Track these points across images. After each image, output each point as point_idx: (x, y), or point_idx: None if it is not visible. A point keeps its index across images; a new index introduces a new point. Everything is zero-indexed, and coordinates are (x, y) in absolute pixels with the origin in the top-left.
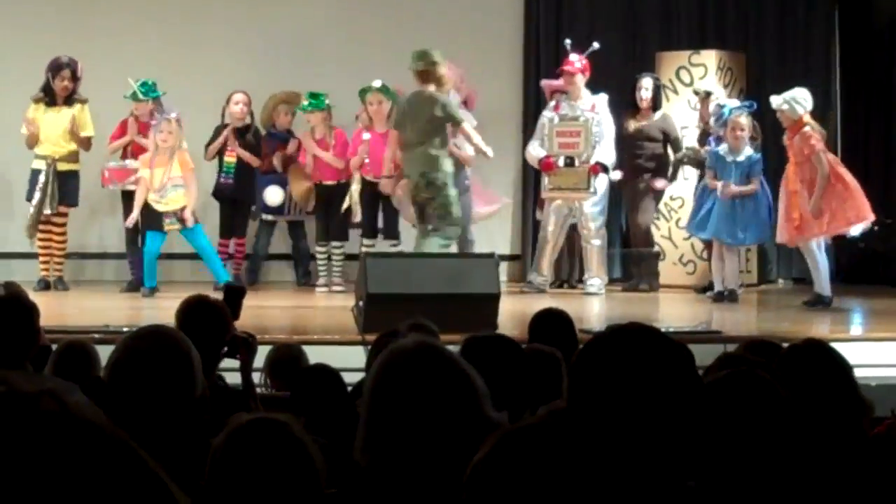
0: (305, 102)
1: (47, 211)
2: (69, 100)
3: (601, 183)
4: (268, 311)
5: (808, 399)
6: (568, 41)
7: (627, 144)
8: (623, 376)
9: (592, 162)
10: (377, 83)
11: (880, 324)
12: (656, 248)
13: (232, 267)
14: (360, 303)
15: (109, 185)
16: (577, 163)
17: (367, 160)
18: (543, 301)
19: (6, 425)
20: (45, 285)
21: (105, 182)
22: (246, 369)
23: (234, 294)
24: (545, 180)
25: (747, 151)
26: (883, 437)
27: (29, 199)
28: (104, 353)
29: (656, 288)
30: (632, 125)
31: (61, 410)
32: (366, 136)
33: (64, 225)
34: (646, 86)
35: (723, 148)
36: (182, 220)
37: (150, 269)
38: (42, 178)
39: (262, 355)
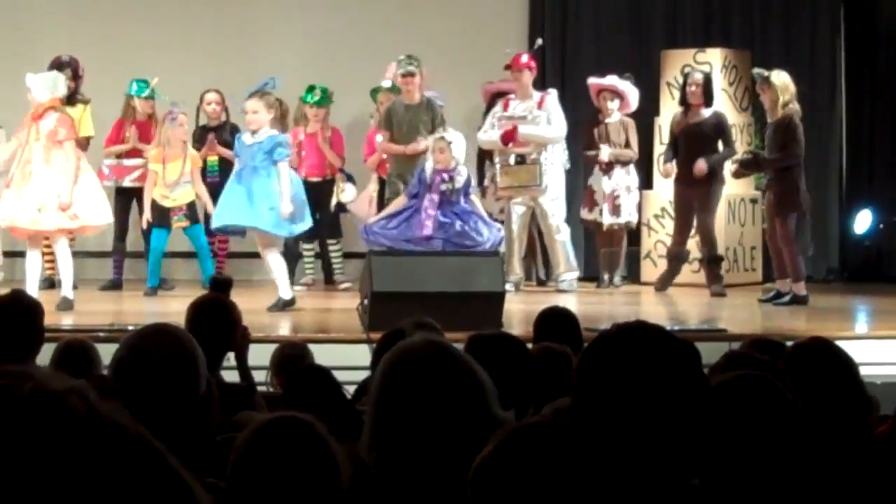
0: (316, 97)
1: None
2: (71, 99)
3: (555, 178)
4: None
5: (813, 397)
6: (539, 41)
7: (683, 144)
8: (629, 375)
9: (517, 129)
10: (387, 83)
11: (885, 322)
12: (719, 252)
13: (215, 264)
14: (365, 301)
15: (106, 182)
16: (527, 160)
17: (385, 157)
18: (540, 300)
19: (34, 424)
20: (49, 284)
21: (101, 178)
22: (242, 362)
23: (222, 286)
24: (498, 179)
25: None
26: (888, 436)
27: None
28: (110, 351)
29: (724, 294)
30: (683, 124)
31: (88, 410)
32: (380, 137)
33: None
34: (696, 81)
35: None
36: (190, 217)
37: (155, 268)
38: None
39: (267, 353)
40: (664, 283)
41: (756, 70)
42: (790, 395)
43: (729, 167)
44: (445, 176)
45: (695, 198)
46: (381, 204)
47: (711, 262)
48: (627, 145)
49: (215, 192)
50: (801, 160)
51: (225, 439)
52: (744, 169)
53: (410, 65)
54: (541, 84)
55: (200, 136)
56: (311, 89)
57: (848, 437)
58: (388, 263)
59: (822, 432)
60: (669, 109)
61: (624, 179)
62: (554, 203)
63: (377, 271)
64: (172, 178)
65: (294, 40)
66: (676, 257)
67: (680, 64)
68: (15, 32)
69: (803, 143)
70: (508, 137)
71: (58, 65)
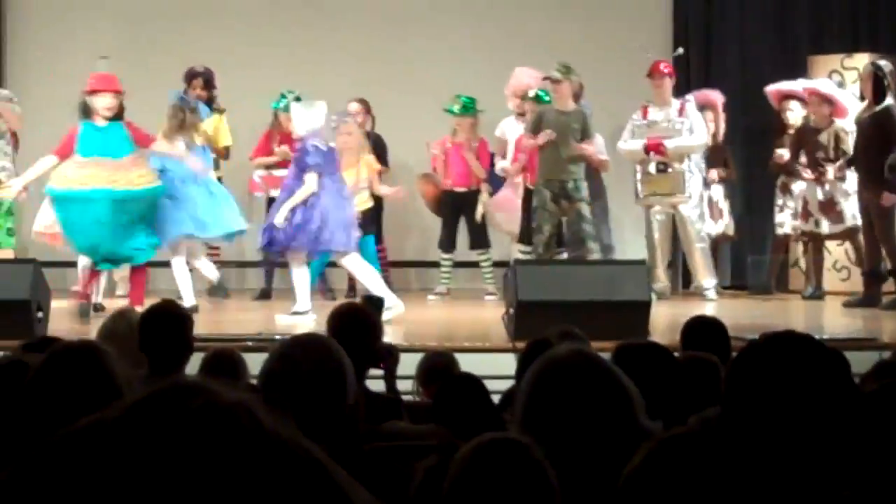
0: (456, 106)
1: None
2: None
3: (695, 185)
4: (415, 318)
5: None
6: (680, 49)
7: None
8: (779, 384)
9: (666, 144)
10: (531, 92)
11: None
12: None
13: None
14: (510, 310)
15: (257, 193)
16: (668, 169)
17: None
18: (686, 308)
19: (203, 439)
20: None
21: (254, 189)
22: (391, 379)
23: (376, 305)
24: (639, 187)
25: None
26: None
27: None
28: (257, 361)
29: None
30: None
31: (256, 425)
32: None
33: None
34: (863, 75)
35: None
36: (362, 227)
37: (316, 273)
38: None
39: (413, 363)
40: (861, 303)
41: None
42: None
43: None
44: None
45: (868, 201)
46: (527, 213)
47: (873, 275)
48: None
49: None
50: None
51: (372, 449)
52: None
53: (558, 71)
54: (685, 89)
55: None
56: (457, 99)
57: None
58: (533, 272)
59: None
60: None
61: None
62: (695, 210)
63: (522, 280)
64: (348, 186)
65: (440, 50)
66: (874, 274)
67: (828, 69)
68: (151, 45)
69: None
70: (655, 148)
71: (191, 75)
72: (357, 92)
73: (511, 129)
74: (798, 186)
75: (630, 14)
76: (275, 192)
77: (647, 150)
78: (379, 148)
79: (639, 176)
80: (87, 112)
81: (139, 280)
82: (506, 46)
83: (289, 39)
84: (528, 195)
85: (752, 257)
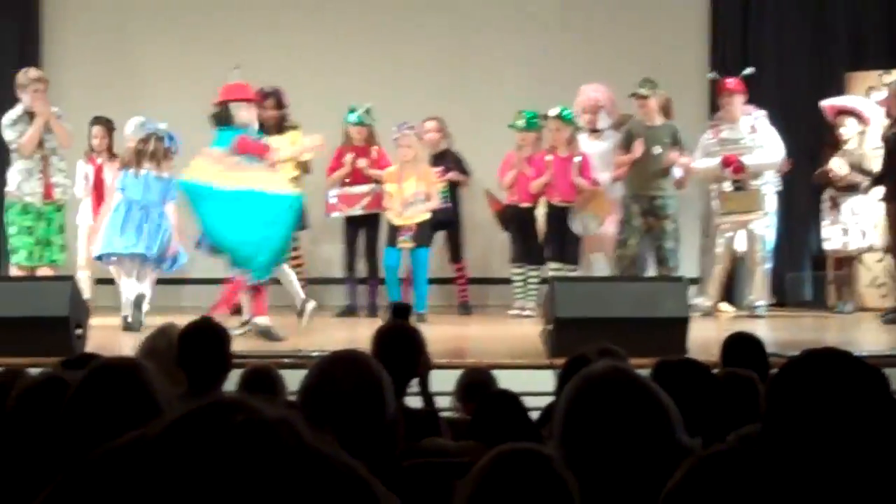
0: (520, 122)
1: None
2: (280, 128)
3: (771, 203)
4: (454, 335)
5: None
6: (752, 69)
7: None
8: (819, 401)
9: (744, 162)
10: (555, 110)
11: None
12: None
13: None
14: (549, 327)
15: (335, 213)
16: (745, 186)
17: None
18: (728, 324)
19: (244, 455)
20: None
21: (331, 210)
22: (425, 387)
23: (402, 312)
24: (714, 204)
25: None
26: None
27: None
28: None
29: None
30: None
31: (297, 441)
32: (548, 157)
33: (296, 249)
34: (891, 91)
35: None
36: (416, 239)
37: (393, 286)
38: None
39: (453, 379)
40: None
41: None
42: None
43: None
44: None
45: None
46: (555, 231)
47: None
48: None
49: (445, 217)
50: None
51: (411, 465)
52: None
53: (642, 87)
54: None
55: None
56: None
57: None
58: (571, 289)
59: None
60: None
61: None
62: (768, 230)
63: (560, 297)
64: (405, 197)
65: (510, 65)
66: None
67: (864, 86)
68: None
69: None
70: (732, 164)
71: (262, 95)
72: (429, 106)
73: (585, 146)
74: (848, 201)
75: (667, 34)
76: (351, 211)
77: (724, 163)
78: (457, 165)
79: (713, 194)
80: (221, 120)
81: (233, 289)
82: (573, 62)
83: (361, 54)
84: (552, 212)
85: (790, 274)
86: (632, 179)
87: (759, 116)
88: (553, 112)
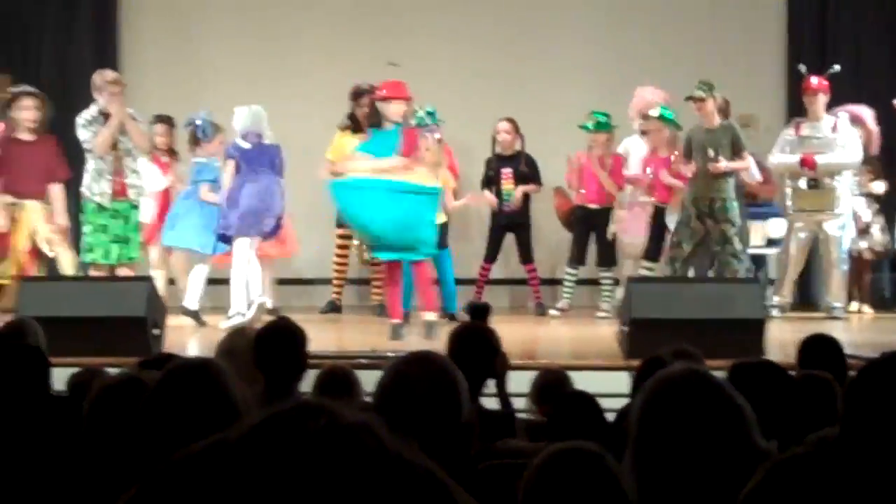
0: (591, 123)
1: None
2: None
3: (846, 204)
4: (530, 336)
5: None
6: (837, 67)
7: None
8: None
9: (817, 160)
10: (653, 112)
11: None
12: None
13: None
14: (624, 327)
15: None
16: (820, 185)
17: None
18: (804, 325)
19: (325, 459)
20: (332, 307)
21: None
22: (502, 389)
23: (480, 313)
24: (789, 202)
25: None
26: None
27: (340, 225)
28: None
29: None
30: None
31: (379, 446)
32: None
33: (345, 248)
34: None
35: None
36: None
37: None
38: None
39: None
40: None
41: None
42: None
43: None
44: None
45: None
46: (655, 231)
47: None
48: None
49: (512, 220)
50: None
51: (486, 467)
52: None
53: (699, 90)
54: (798, 106)
55: (496, 166)
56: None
57: None
58: (647, 290)
59: None
60: None
61: None
62: (840, 231)
63: (636, 298)
64: None
65: (575, 69)
66: None
67: None
68: (282, 59)
69: None
70: (809, 163)
71: (357, 93)
72: (499, 108)
73: (634, 148)
74: None
75: (745, 30)
76: None
77: (802, 163)
78: (530, 167)
79: (788, 191)
80: (375, 118)
81: (424, 282)
82: (630, 64)
83: (434, 57)
84: (656, 213)
85: (871, 275)
86: (691, 182)
87: (842, 116)
88: (654, 113)
